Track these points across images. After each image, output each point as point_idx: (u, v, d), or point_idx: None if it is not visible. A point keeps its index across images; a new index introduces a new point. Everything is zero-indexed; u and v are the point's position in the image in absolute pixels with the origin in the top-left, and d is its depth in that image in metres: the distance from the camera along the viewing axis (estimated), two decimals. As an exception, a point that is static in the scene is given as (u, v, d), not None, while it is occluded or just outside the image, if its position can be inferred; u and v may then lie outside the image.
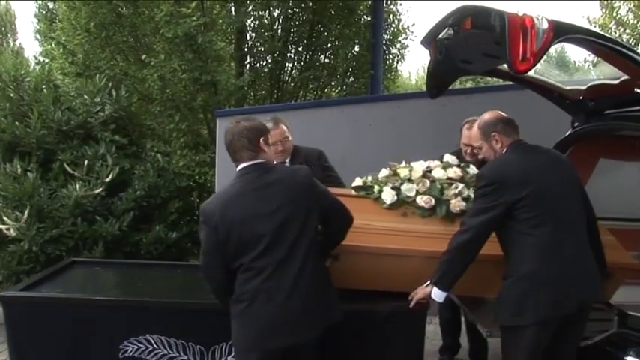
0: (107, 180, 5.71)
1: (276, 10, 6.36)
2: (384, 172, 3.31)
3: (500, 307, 2.72)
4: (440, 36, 3.16)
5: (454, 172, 3.17)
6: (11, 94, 6.53)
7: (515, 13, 2.67)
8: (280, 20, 6.42)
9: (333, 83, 6.84)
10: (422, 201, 3.04)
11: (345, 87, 6.80)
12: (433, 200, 3.03)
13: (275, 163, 2.95)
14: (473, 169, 3.23)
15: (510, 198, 2.65)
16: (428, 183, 3.10)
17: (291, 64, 6.75)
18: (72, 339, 3.03)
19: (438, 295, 2.75)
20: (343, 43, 6.61)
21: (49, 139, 6.24)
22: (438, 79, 3.65)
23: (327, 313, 2.61)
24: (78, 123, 6.35)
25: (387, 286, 2.98)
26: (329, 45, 6.69)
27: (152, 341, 3.05)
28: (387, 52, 7.43)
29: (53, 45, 8.34)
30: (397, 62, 8.27)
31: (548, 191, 2.71)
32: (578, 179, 2.91)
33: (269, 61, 6.44)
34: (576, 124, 3.75)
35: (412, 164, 3.29)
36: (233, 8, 6.43)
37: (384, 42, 6.94)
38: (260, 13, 6.64)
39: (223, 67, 6.17)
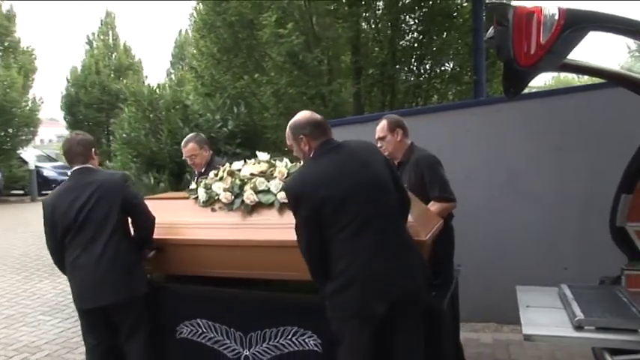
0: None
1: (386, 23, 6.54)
2: (211, 174, 3.65)
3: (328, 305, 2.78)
4: (487, 35, 3.14)
5: (257, 168, 3.44)
6: (150, 115, 7.40)
7: (525, 5, 2.58)
8: (389, 31, 6.60)
9: (438, 89, 6.87)
10: (223, 197, 3.37)
11: (450, 93, 6.82)
12: (232, 195, 3.35)
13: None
14: (283, 164, 3.43)
15: (313, 205, 2.69)
16: (229, 180, 3.41)
17: (402, 74, 6.89)
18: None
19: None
20: (447, 50, 6.66)
21: (179, 154, 6.95)
22: (511, 79, 3.62)
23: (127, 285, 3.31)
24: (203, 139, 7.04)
25: (199, 271, 3.46)
26: (435, 51, 6.74)
27: (201, 325, 3.43)
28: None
29: (186, 69, 9.23)
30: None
31: (353, 190, 2.71)
32: (389, 172, 2.88)
33: (379, 72, 6.63)
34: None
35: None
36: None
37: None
38: (373, 26, 6.85)
39: (334, 80, 6.47)
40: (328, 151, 2.84)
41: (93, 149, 3.49)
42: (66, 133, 26.55)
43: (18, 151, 19.24)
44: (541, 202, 4.99)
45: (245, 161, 3.60)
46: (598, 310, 3.06)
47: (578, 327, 2.92)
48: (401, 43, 6.75)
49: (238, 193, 3.35)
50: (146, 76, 27.63)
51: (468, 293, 5.23)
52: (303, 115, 2.96)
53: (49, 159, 21.30)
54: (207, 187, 3.47)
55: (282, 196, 3.17)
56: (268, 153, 7.29)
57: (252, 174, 3.41)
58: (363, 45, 6.48)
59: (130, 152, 7.38)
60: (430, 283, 2.98)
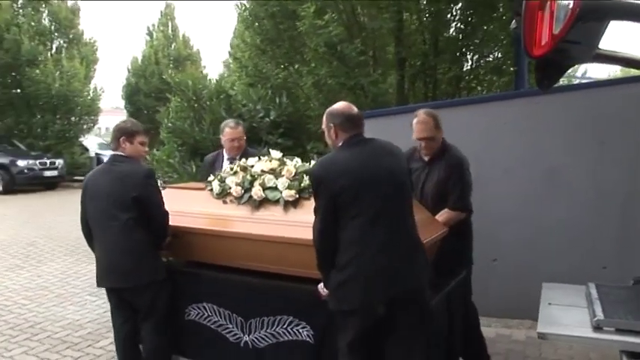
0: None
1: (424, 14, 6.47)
2: (227, 168, 3.77)
3: (329, 295, 2.85)
4: (511, 26, 3.07)
5: (268, 165, 3.54)
6: (195, 105, 7.58)
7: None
8: (430, 22, 6.50)
9: (481, 80, 6.72)
10: (234, 191, 3.48)
11: (491, 84, 6.67)
12: (242, 190, 3.45)
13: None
14: (292, 163, 3.49)
15: (331, 192, 2.76)
16: (241, 175, 3.52)
17: (445, 65, 6.78)
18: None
19: (321, 287, 2.94)
20: (489, 41, 6.50)
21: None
22: (544, 71, 3.52)
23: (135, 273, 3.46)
24: (246, 128, 7.16)
25: (207, 259, 3.63)
26: (478, 41, 6.60)
27: (207, 308, 3.57)
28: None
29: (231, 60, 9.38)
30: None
31: (365, 184, 2.76)
32: (405, 170, 2.97)
33: (421, 62, 6.55)
34: None
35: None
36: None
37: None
38: (415, 16, 6.77)
39: (374, 71, 6.43)
40: (355, 144, 2.89)
41: (122, 137, 3.58)
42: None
43: (80, 139, 20.03)
44: (580, 197, 4.84)
45: (259, 158, 3.71)
46: (621, 311, 2.95)
47: (597, 327, 2.81)
48: (444, 34, 6.63)
49: (248, 188, 3.45)
50: (204, 66, 28.13)
51: (504, 289, 5.16)
52: (340, 105, 3.02)
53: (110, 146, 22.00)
54: (222, 180, 3.60)
55: (287, 194, 3.27)
56: (310, 143, 7.40)
57: (262, 170, 3.51)
58: (406, 36, 6.41)
59: (175, 141, 7.60)
60: (432, 284, 2.97)
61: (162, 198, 3.56)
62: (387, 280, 2.73)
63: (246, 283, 3.41)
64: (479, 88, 6.61)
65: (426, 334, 2.89)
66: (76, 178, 18.96)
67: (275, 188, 3.35)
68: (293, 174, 3.37)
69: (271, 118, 7.17)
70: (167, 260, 3.80)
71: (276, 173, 3.45)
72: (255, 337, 3.38)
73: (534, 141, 4.99)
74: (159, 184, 3.77)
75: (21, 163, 16.27)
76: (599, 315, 2.88)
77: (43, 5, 19.15)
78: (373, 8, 6.52)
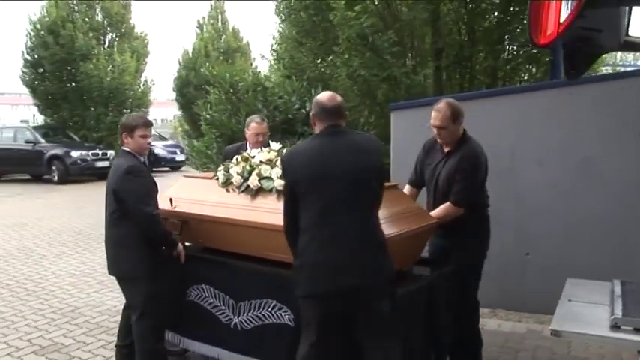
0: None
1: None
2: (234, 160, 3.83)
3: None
4: None
5: (266, 156, 3.64)
6: (232, 97, 7.70)
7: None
8: (465, 12, 6.37)
9: (517, 71, 6.54)
10: (235, 180, 3.61)
11: (530, 74, 6.48)
12: (242, 179, 3.57)
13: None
14: None
15: (290, 180, 2.88)
16: (242, 166, 3.62)
17: (481, 55, 6.64)
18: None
19: None
20: (523, 31, 6.30)
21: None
22: (571, 60, 3.43)
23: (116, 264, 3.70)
24: (282, 119, 7.24)
25: (210, 244, 3.81)
26: (514, 31, 6.40)
27: (205, 290, 3.74)
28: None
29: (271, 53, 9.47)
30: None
31: (326, 176, 2.77)
32: (377, 167, 2.91)
33: (456, 53, 6.43)
34: None
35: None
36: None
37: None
38: (451, 7, 6.64)
39: (406, 61, 6.37)
40: (326, 135, 2.90)
41: (123, 133, 3.75)
42: (178, 113, 28.09)
43: (131, 131, 20.51)
44: (614, 189, 4.68)
45: (261, 149, 3.84)
46: (643, 309, 2.84)
47: (614, 326, 2.72)
48: (482, 24, 6.49)
49: (247, 178, 3.57)
50: (254, 58, 28.40)
51: (537, 283, 5.05)
52: (322, 95, 3.03)
53: (161, 138, 22.57)
54: (226, 170, 3.70)
55: (280, 184, 3.34)
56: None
57: (260, 161, 3.61)
58: (443, 26, 6.30)
59: (213, 132, 7.73)
60: (392, 281, 2.89)
61: (144, 196, 3.59)
62: (331, 273, 2.74)
63: (238, 267, 3.54)
64: (516, 78, 6.44)
65: (390, 331, 2.86)
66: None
67: (269, 178, 3.46)
68: None
69: (307, 109, 7.21)
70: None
71: (272, 164, 3.55)
72: (243, 319, 3.51)
73: (568, 132, 4.85)
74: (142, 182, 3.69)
75: (74, 154, 16.89)
76: (618, 313, 2.79)
77: (97, 2, 19.75)
78: (409, -1, 6.44)
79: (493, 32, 6.47)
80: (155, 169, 19.15)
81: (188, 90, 25.60)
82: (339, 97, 3.00)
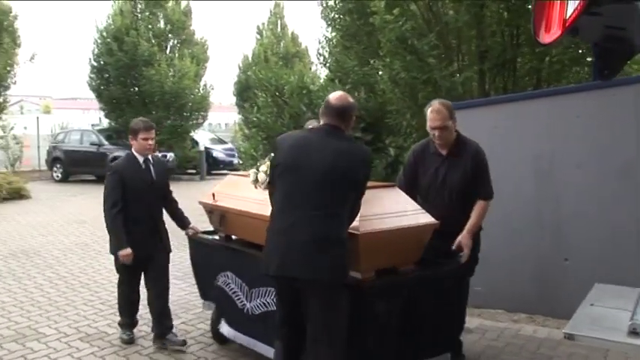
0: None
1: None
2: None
3: None
4: None
5: None
6: (278, 100, 7.86)
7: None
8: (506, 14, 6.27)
9: (561, 72, 6.37)
10: (259, 177, 3.78)
11: (577, 75, 6.30)
12: (265, 177, 3.66)
13: None
14: None
15: (274, 161, 3.10)
16: (266, 165, 3.70)
17: (525, 57, 6.52)
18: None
19: None
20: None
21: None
22: (604, 60, 3.36)
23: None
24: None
25: (239, 234, 4.17)
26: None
27: (229, 276, 4.10)
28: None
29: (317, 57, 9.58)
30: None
31: (300, 168, 2.92)
32: (355, 177, 2.96)
33: (498, 55, 6.34)
34: None
35: None
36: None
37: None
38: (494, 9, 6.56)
39: (450, 65, 6.34)
40: (319, 130, 3.08)
41: (130, 136, 4.43)
42: (238, 117, 28.68)
43: (191, 134, 21.17)
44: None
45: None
46: (668, 316, 2.77)
47: (632, 332, 2.67)
48: (525, 25, 6.38)
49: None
50: (312, 62, 28.67)
51: (575, 289, 4.91)
52: (333, 94, 3.21)
53: (220, 141, 23.11)
54: (257, 168, 3.87)
55: None
56: (390, 137, 7.42)
57: None
58: (486, 28, 6.24)
59: (260, 134, 7.92)
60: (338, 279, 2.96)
61: (108, 194, 4.38)
62: (279, 261, 2.89)
63: (252, 256, 3.73)
64: (562, 80, 6.29)
65: (330, 326, 2.93)
66: (187, 171, 20.14)
67: None
68: None
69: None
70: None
71: None
72: (253, 305, 3.80)
73: (609, 135, 4.74)
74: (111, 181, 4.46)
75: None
76: (637, 319, 2.73)
77: (160, 9, 20.44)
78: (453, 1, 6.41)
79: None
80: (213, 172, 19.68)
81: (248, 94, 26.14)
82: (348, 100, 3.09)
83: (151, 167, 4.53)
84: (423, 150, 3.97)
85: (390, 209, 3.35)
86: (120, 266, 4.62)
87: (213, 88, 21.84)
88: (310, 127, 3.93)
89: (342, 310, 2.95)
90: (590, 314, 3.03)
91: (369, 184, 3.47)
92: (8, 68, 15.30)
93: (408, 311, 3.31)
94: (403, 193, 3.66)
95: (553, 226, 5.05)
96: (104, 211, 4.48)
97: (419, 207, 3.57)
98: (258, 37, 29.48)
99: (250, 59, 28.14)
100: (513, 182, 5.04)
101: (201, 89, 21.10)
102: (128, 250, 4.35)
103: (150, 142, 4.39)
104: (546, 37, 2.52)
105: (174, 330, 4.66)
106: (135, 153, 4.48)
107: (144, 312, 5.42)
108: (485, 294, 5.12)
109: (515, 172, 5.10)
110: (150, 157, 4.55)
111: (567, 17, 2.39)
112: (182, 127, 20.38)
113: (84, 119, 31.36)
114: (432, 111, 3.77)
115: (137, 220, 4.44)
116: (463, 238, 3.70)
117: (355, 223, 3.09)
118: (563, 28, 2.42)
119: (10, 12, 15.73)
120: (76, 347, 4.60)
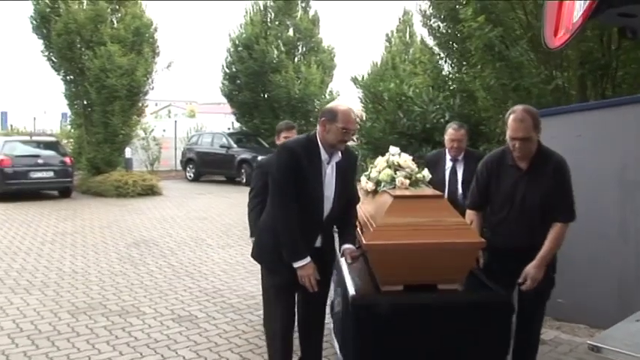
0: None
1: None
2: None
3: None
4: None
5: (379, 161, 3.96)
6: (378, 106, 8.10)
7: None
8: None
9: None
10: (366, 183, 3.95)
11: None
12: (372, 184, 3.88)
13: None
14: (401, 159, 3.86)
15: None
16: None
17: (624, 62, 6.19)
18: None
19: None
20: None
21: (400, 141, 7.51)
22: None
23: None
24: (420, 129, 7.46)
25: None
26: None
27: None
28: None
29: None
30: None
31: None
32: (347, 175, 3.39)
33: (592, 60, 6.09)
34: None
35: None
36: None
37: None
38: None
39: (541, 72, 6.19)
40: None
41: (276, 135, 4.71)
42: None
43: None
44: None
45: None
46: None
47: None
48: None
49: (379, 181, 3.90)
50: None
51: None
52: (339, 104, 3.43)
53: (343, 145, 23.54)
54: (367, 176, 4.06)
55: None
56: (484, 144, 7.37)
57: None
58: (581, 32, 6.03)
59: (360, 139, 8.20)
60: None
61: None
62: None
63: None
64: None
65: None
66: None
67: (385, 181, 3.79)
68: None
69: (446, 119, 7.33)
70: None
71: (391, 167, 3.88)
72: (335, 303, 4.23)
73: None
74: None
75: (261, 158, 18.46)
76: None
77: (288, 18, 21.47)
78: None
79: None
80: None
81: (374, 100, 26.47)
82: (352, 115, 3.35)
83: None
84: (499, 162, 3.49)
85: (425, 222, 3.20)
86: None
87: (339, 95, 22.45)
88: None
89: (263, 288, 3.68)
90: (629, 329, 2.94)
91: (414, 192, 3.56)
92: (148, 76, 16.84)
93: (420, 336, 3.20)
94: (450, 206, 3.39)
95: (631, 241, 4.80)
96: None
97: (464, 222, 3.34)
98: (387, 44, 29.74)
99: (379, 66, 28.42)
100: (597, 194, 4.84)
101: (327, 95, 21.78)
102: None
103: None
104: (555, 41, 2.53)
105: None
106: None
107: (235, 301, 5.96)
108: (567, 307, 4.99)
109: (599, 184, 4.89)
110: None
111: (575, 21, 2.40)
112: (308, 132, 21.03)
113: (224, 123, 33.35)
114: (515, 119, 3.28)
115: None
116: (533, 268, 3.32)
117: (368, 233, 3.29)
118: (571, 32, 2.44)
119: (152, 24, 17.29)
120: (167, 326, 5.19)
